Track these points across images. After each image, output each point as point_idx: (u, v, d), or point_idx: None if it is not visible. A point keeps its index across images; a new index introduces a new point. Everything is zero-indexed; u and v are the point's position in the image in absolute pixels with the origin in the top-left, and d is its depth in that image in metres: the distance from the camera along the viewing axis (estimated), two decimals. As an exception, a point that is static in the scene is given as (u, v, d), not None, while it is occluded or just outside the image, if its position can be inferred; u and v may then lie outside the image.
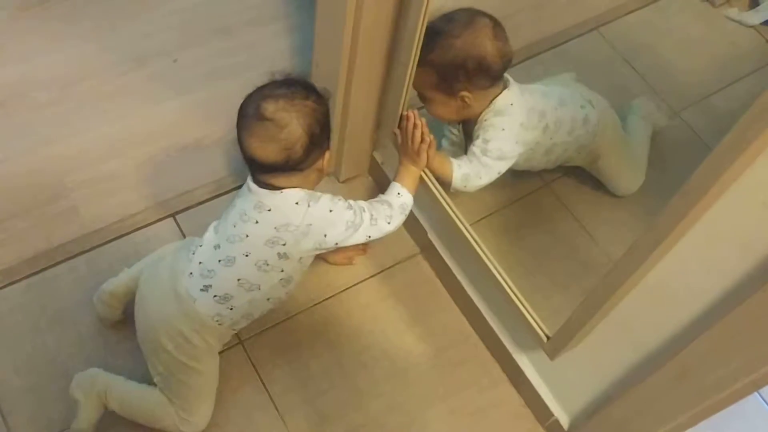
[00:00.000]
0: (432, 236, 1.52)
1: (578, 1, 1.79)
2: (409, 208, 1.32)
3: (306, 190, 1.21)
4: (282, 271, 1.24)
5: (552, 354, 1.27)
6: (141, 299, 1.31)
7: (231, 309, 1.25)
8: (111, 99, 1.70)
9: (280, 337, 1.46)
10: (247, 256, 1.21)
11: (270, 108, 1.17)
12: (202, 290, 1.23)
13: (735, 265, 0.91)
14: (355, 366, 1.45)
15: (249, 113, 1.18)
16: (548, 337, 1.26)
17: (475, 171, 1.32)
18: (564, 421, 1.37)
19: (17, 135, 1.63)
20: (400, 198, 1.30)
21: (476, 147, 1.32)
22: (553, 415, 1.38)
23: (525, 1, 1.78)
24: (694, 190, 0.87)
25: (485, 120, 1.32)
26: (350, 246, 1.32)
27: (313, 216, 1.20)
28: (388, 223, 1.28)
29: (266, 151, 1.17)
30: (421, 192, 1.43)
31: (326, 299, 1.51)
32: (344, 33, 1.29)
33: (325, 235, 1.22)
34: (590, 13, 1.75)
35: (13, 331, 1.41)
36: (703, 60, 1.62)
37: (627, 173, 1.48)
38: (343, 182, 1.64)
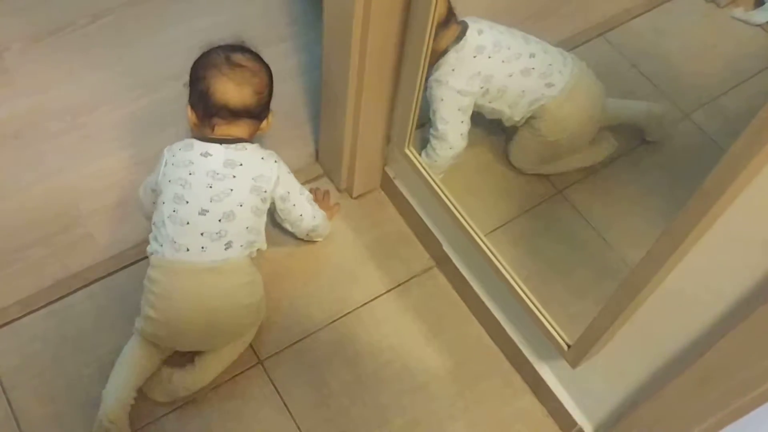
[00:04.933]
0: (447, 248, 1.52)
1: (582, 8, 1.79)
2: (327, 227, 1.53)
3: (262, 148, 1.35)
4: (265, 214, 1.37)
5: (573, 362, 1.26)
6: (184, 313, 1.28)
7: (254, 246, 1.34)
8: (122, 125, 1.71)
9: (299, 355, 1.46)
10: (241, 206, 1.30)
11: (241, 57, 1.33)
12: (226, 249, 1.29)
13: (756, 264, 0.90)
14: (376, 382, 1.44)
15: (219, 62, 1.31)
16: (569, 346, 1.26)
17: (432, 143, 1.45)
18: (588, 429, 1.36)
19: (31, 165, 1.65)
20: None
21: (430, 120, 1.45)
22: (576, 423, 1.37)
23: (530, 10, 1.78)
24: (710, 192, 0.87)
25: (430, 88, 1.42)
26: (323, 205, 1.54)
27: (281, 170, 1.36)
28: (314, 216, 1.46)
29: (242, 94, 1.31)
30: (435, 204, 1.44)
31: (343, 316, 1.51)
32: (352, 51, 1.30)
33: (288, 192, 1.38)
34: (595, 20, 1.75)
35: (34, 360, 1.41)
36: (711, 61, 1.62)
37: (527, 153, 1.51)
38: (356, 198, 1.65)
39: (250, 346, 1.44)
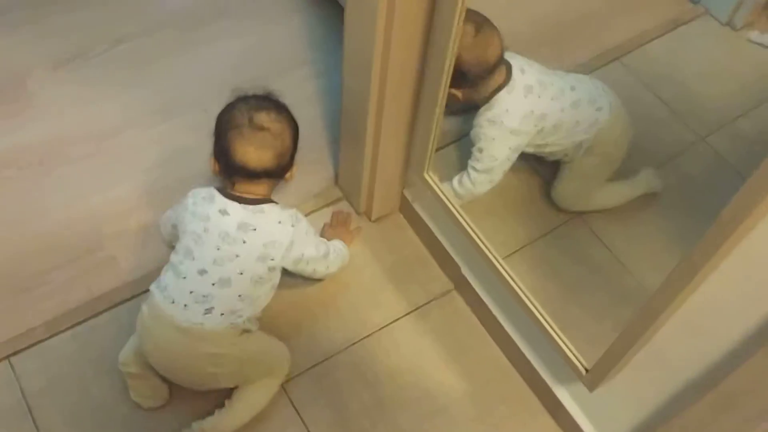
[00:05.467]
0: (466, 272, 1.53)
1: (598, 32, 1.81)
2: (343, 262, 1.52)
3: (283, 209, 1.35)
4: (271, 281, 1.35)
5: (591, 386, 1.27)
6: (158, 357, 1.34)
7: (240, 317, 1.31)
8: (144, 150, 1.74)
9: (319, 378, 1.47)
10: (241, 274, 1.29)
11: (264, 118, 1.31)
12: (205, 314, 1.28)
13: (775, 291, 0.91)
14: (396, 405, 1.45)
15: (242, 123, 1.30)
16: (587, 370, 1.26)
17: (473, 175, 1.47)
18: (607, 452, 1.37)
19: (55, 189, 1.68)
20: (345, 248, 1.53)
21: (472, 155, 1.46)
22: (595, 447, 1.37)
23: (546, 35, 1.80)
24: (729, 221, 0.88)
25: (480, 127, 1.44)
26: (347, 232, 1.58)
27: (297, 234, 1.35)
28: (327, 266, 1.46)
29: (262, 158, 1.30)
30: (454, 228, 1.45)
31: (363, 339, 1.52)
32: (372, 77, 1.32)
33: (303, 254, 1.38)
34: (611, 44, 1.77)
35: (59, 381, 1.43)
36: (727, 84, 1.63)
37: (590, 185, 1.51)
38: (375, 221, 1.67)
39: (271, 368, 1.46)
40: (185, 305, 1.28)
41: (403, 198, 1.64)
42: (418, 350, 1.52)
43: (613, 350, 1.17)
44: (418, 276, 1.60)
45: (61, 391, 1.42)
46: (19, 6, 1.96)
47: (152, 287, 1.33)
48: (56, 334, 1.48)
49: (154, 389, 1.40)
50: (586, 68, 1.73)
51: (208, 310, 1.28)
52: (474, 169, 1.47)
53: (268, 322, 1.50)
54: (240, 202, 1.31)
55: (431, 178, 1.47)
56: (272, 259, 1.32)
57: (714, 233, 0.90)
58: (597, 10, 1.84)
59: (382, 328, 1.54)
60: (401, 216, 1.68)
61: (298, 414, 1.43)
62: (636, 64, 1.73)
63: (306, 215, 1.64)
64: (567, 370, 1.31)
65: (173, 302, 1.29)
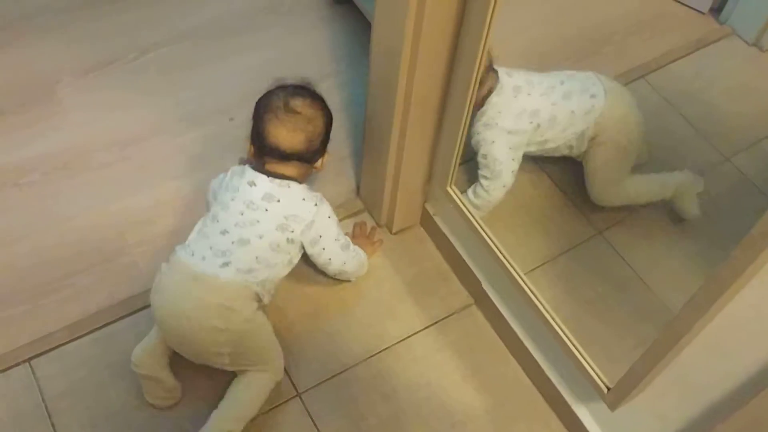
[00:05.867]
0: (486, 286, 1.53)
1: (623, 50, 1.81)
2: (361, 271, 1.55)
3: (310, 190, 1.40)
4: (289, 254, 1.39)
5: (612, 405, 1.26)
6: (168, 310, 1.35)
7: (255, 278, 1.35)
8: (169, 158, 1.75)
9: (336, 389, 1.47)
10: (260, 238, 1.35)
11: (299, 103, 1.37)
12: (222, 266, 1.33)
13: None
14: (413, 419, 1.44)
15: (278, 106, 1.37)
16: (608, 388, 1.25)
17: (484, 184, 1.50)
18: (626, 473, 1.35)
19: (80, 195, 1.69)
20: (365, 257, 1.56)
21: (479, 164, 1.50)
22: (614, 467, 1.36)
23: (570, 51, 1.80)
24: (756, 242, 0.87)
25: (478, 134, 1.48)
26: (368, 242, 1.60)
27: (319, 215, 1.39)
28: (344, 262, 1.49)
29: (293, 140, 1.36)
30: (475, 242, 1.45)
31: (381, 351, 1.52)
32: (398, 91, 1.33)
33: (320, 236, 1.41)
34: (636, 62, 1.76)
35: (79, 386, 1.44)
36: (753, 104, 1.62)
37: (611, 175, 1.52)
38: (395, 233, 1.67)
39: (289, 378, 1.46)
40: (204, 257, 1.34)
41: (425, 211, 1.64)
42: (436, 364, 1.51)
43: (635, 369, 1.16)
44: (437, 290, 1.60)
45: (79, 395, 1.43)
46: (49, 12, 1.99)
47: (176, 247, 1.39)
48: (76, 339, 1.49)
49: (167, 390, 1.41)
50: (611, 85, 1.73)
51: (225, 264, 1.33)
52: (484, 177, 1.49)
53: (286, 330, 1.51)
54: (268, 176, 1.37)
55: (454, 191, 1.47)
56: (292, 231, 1.37)
57: (742, 252, 0.89)
58: (623, 28, 1.84)
59: (401, 341, 1.53)
60: (422, 229, 1.68)
61: (315, 425, 1.42)
62: (661, 83, 1.73)
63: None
64: (588, 388, 1.30)
65: (193, 255, 1.35)
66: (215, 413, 1.36)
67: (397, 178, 1.53)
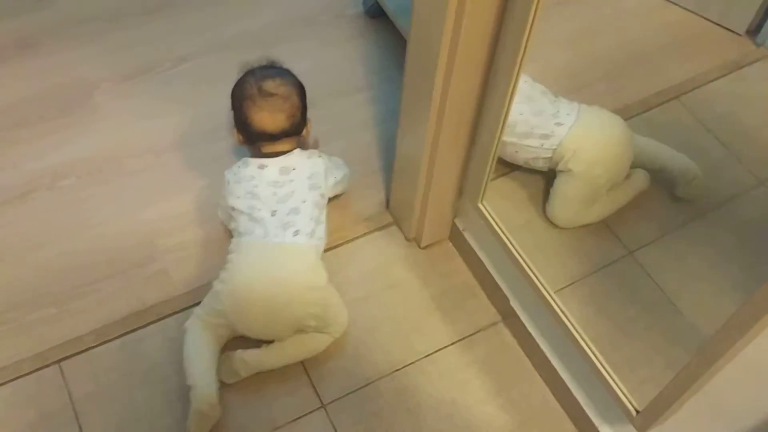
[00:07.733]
0: (514, 304, 1.52)
1: (657, 71, 1.80)
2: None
3: (304, 150, 1.53)
4: (325, 207, 1.53)
5: (641, 428, 1.24)
6: (258, 284, 1.40)
7: (320, 239, 1.48)
8: (202, 166, 1.77)
9: (361, 403, 1.46)
10: (304, 202, 1.46)
11: (271, 85, 1.48)
12: (294, 235, 1.43)
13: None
14: (437, 434, 1.44)
15: (253, 93, 1.48)
16: (638, 411, 1.24)
17: None
18: (653, 498, 1.33)
19: (112, 199, 1.71)
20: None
21: None
22: (641, 492, 1.34)
23: (605, 70, 1.80)
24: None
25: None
26: None
27: (325, 162, 1.54)
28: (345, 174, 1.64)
29: (276, 121, 1.48)
30: (504, 259, 1.45)
31: (407, 366, 1.51)
32: (431, 107, 1.33)
33: (335, 177, 1.58)
34: (670, 83, 1.76)
35: (106, 389, 1.45)
36: (788, 128, 1.60)
37: (569, 203, 1.54)
38: (424, 248, 1.66)
39: (314, 389, 1.46)
40: (275, 233, 1.42)
41: (454, 226, 1.64)
42: (461, 381, 1.50)
43: (666, 393, 1.15)
44: (465, 306, 1.59)
45: (107, 398, 1.44)
46: (90, 20, 2.02)
47: (229, 256, 1.45)
48: (105, 342, 1.50)
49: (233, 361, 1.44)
50: (644, 105, 1.73)
51: (296, 233, 1.43)
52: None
53: (313, 343, 1.51)
54: (270, 157, 1.49)
55: (485, 207, 1.47)
56: (320, 186, 1.50)
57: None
58: (657, 49, 1.83)
59: (427, 356, 1.53)
60: (451, 244, 1.67)
61: (339, 437, 1.43)
62: (695, 104, 1.72)
63: (355, 239, 1.66)
64: (616, 411, 1.29)
65: (265, 235, 1.42)
66: (256, 352, 1.43)
67: (427, 192, 1.53)
